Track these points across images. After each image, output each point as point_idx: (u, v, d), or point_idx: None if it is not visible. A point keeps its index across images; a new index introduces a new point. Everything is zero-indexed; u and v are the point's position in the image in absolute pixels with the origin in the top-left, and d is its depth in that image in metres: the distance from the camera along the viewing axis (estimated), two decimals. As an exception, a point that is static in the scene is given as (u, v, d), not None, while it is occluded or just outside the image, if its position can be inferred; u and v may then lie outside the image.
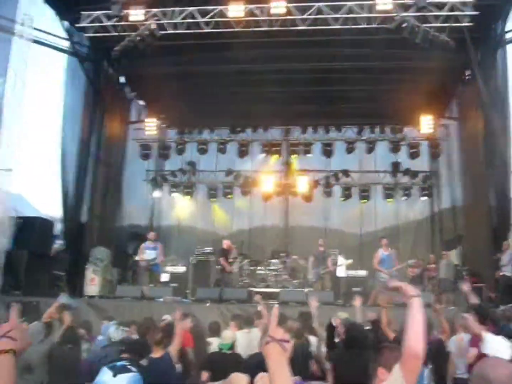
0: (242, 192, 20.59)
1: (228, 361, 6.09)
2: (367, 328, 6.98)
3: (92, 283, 14.61)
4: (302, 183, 19.78)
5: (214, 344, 8.07)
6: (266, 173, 20.28)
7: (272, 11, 13.01)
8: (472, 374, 2.26)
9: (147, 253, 14.00)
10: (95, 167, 17.17)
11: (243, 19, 13.20)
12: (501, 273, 13.04)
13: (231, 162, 20.94)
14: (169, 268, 15.24)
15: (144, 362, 5.42)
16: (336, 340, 6.84)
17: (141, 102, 20.86)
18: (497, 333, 6.49)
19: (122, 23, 13.60)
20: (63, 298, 7.81)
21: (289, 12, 13.14)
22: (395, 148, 19.68)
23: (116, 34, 13.78)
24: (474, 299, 7.75)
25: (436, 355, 6.82)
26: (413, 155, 19.44)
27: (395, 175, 20.02)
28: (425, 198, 20.00)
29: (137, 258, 15.19)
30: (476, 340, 6.63)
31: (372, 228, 19.90)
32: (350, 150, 19.94)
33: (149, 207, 21.42)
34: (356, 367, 4.64)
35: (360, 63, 16.39)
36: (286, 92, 18.50)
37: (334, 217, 20.43)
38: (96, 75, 17.16)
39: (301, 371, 5.65)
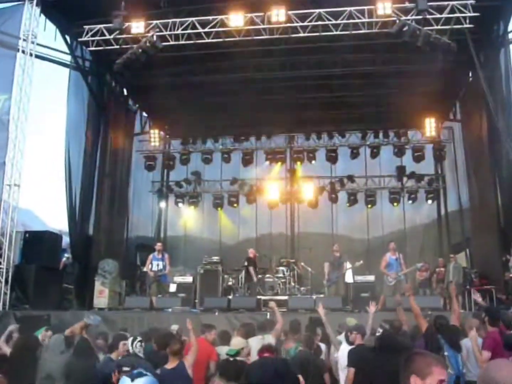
0: (248, 200, 20.59)
1: (233, 368, 6.11)
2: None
3: (101, 296, 14.63)
4: (307, 190, 19.78)
5: (223, 352, 8.05)
6: (271, 181, 20.29)
7: (273, 19, 13.04)
8: (478, 376, 2.25)
9: (154, 264, 14.04)
10: (100, 180, 17.22)
11: (244, 28, 13.25)
12: (510, 275, 12.97)
13: (236, 170, 20.98)
14: (177, 279, 15.23)
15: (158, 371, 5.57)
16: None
17: (145, 114, 20.96)
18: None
19: (124, 36, 13.68)
20: (90, 319, 7.92)
21: (289, 20, 13.18)
22: (399, 152, 19.67)
23: (118, 47, 13.87)
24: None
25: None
26: (418, 159, 19.42)
27: (401, 179, 19.98)
28: (431, 201, 19.92)
29: (145, 269, 15.22)
30: (489, 343, 6.61)
31: (379, 233, 19.84)
32: (354, 155, 19.96)
33: (155, 218, 21.46)
34: (388, 373, 4.62)
35: (362, 68, 16.42)
36: (289, 99, 18.56)
37: (341, 223, 20.38)
38: (99, 88, 17.26)
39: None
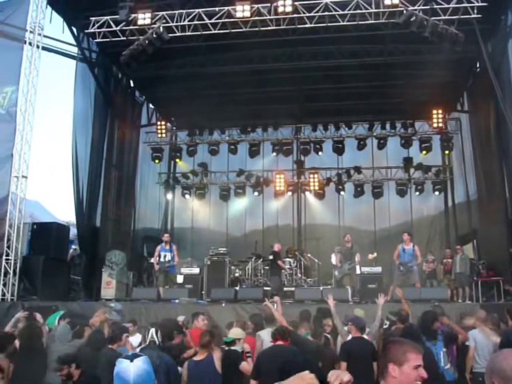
0: (254, 191, 20.60)
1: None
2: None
3: (108, 287, 14.72)
4: (314, 181, 19.76)
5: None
6: (277, 172, 20.28)
7: (279, 10, 12.99)
8: (487, 366, 2.26)
9: (162, 255, 14.07)
10: (107, 171, 17.30)
11: (250, 19, 13.20)
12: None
13: (243, 162, 20.98)
14: (184, 270, 15.28)
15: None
16: None
17: (152, 105, 20.98)
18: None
19: (130, 27, 13.68)
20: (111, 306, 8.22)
21: (296, 10, 13.12)
22: (406, 143, 19.55)
23: (125, 38, 13.86)
24: None
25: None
26: (425, 150, 19.32)
27: (408, 170, 19.90)
28: (439, 192, 19.86)
29: (152, 260, 15.29)
30: None
31: (385, 225, 19.82)
32: (361, 146, 19.88)
33: (162, 210, 21.52)
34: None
35: (369, 59, 16.36)
36: (296, 90, 18.56)
37: (347, 215, 20.36)
38: (106, 80, 17.29)
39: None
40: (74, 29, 15.52)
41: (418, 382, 2.70)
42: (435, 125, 18.61)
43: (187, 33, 13.73)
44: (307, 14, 13.17)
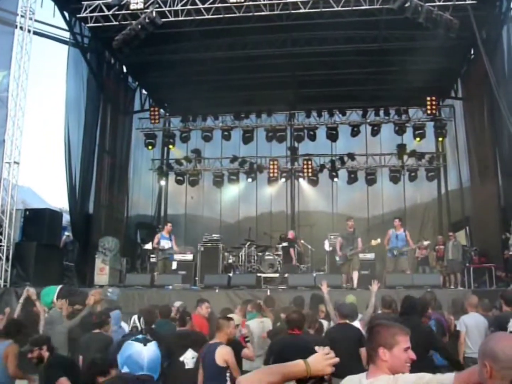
0: (248, 178, 20.58)
1: None
2: None
3: (102, 273, 14.74)
4: (308, 168, 19.75)
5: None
6: (271, 159, 20.26)
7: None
8: (479, 348, 2.28)
9: (163, 242, 14.09)
10: (100, 158, 17.24)
11: (244, 4, 13.08)
12: (510, 253, 13.00)
13: (236, 148, 20.93)
14: (177, 256, 15.30)
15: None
16: None
17: (144, 91, 20.86)
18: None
19: (123, 12, 13.54)
20: (109, 292, 8.37)
21: (290, -5, 13.02)
22: (400, 130, 19.54)
23: (117, 23, 13.73)
24: None
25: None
26: (419, 137, 19.33)
27: (401, 157, 19.92)
28: (432, 179, 19.89)
29: (147, 246, 15.32)
30: None
31: (379, 212, 19.88)
32: (355, 133, 19.86)
33: (155, 196, 21.48)
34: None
35: (363, 45, 16.30)
36: (289, 76, 18.50)
37: (341, 201, 20.40)
38: (99, 66, 17.17)
39: None
40: (66, 14, 15.34)
41: (408, 364, 2.73)
42: (429, 112, 18.59)
43: (180, 18, 13.61)
44: (301, -1, 13.08)
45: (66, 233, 16.96)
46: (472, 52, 16.59)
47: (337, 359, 2.27)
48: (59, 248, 15.72)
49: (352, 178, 19.92)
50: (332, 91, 19.34)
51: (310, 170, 19.78)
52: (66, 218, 16.34)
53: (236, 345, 6.08)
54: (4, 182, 13.19)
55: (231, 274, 14.36)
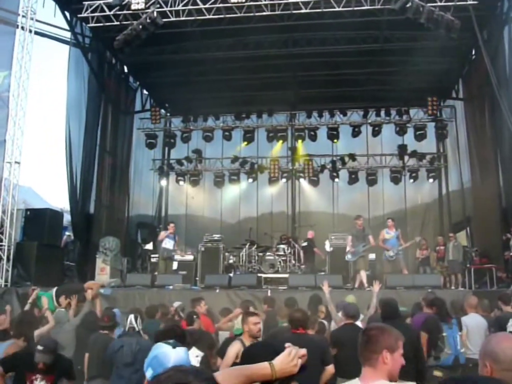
0: (249, 178, 20.58)
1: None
2: None
3: (102, 273, 14.72)
4: (309, 168, 19.75)
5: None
6: (272, 159, 20.26)
7: (274, -5, 12.88)
8: (480, 349, 2.28)
9: (167, 241, 14.13)
10: (101, 158, 17.25)
11: (245, 4, 13.08)
12: (511, 254, 12.98)
13: (237, 148, 20.92)
14: (178, 256, 15.30)
15: None
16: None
17: (145, 91, 20.87)
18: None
19: (124, 12, 13.53)
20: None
21: (291, -4, 13.01)
22: (401, 131, 19.54)
23: (118, 23, 13.73)
24: None
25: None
26: (420, 137, 19.31)
27: (402, 157, 19.91)
28: (433, 180, 19.88)
29: (147, 246, 15.33)
30: None
31: (380, 212, 19.83)
32: (356, 133, 19.85)
33: (156, 196, 21.48)
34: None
35: (364, 45, 16.30)
36: (291, 76, 18.50)
37: (342, 202, 20.39)
38: (100, 66, 17.17)
39: (323, 361, 5.61)
40: (67, 14, 15.34)
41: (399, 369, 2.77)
42: (430, 112, 18.58)
43: (182, 18, 13.60)
44: (303, 0, 13.07)
45: (67, 233, 16.98)
46: (473, 52, 16.56)
47: (301, 360, 2.22)
48: (60, 248, 15.73)
49: (353, 178, 19.91)
50: (333, 91, 19.34)
51: (311, 171, 19.78)
52: (67, 218, 16.35)
53: None
54: (5, 182, 13.20)
55: (231, 274, 14.35)
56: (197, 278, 14.85)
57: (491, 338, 2.38)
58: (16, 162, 13.30)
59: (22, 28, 13.70)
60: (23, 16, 13.70)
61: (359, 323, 6.95)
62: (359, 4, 13.05)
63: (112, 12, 13.59)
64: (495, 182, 14.99)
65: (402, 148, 19.74)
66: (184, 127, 20.88)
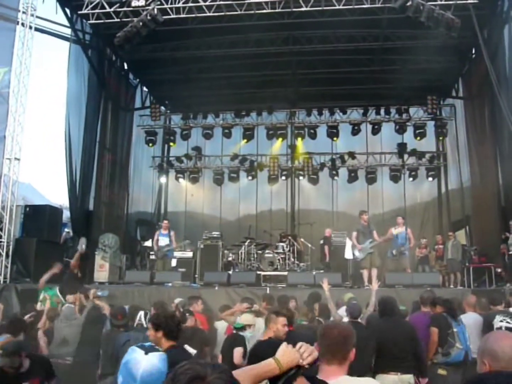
0: (248, 176, 20.58)
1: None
2: None
3: (102, 270, 14.73)
4: (308, 166, 19.76)
5: (219, 328, 8.18)
6: (271, 157, 20.27)
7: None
8: (479, 347, 2.29)
9: (160, 240, 14.15)
10: (101, 154, 17.25)
11: (245, 1, 13.07)
12: (510, 252, 12.98)
13: (237, 146, 20.92)
14: (177, 253, 15.31)
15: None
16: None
17: (145, 88, 20.86)
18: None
19: (124, 9, 13.53)
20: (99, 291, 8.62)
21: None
22: (401, 129, 19.56)
23: (119, 20, 13.72)
24: None
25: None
26: (420, 136, 19.33)
27: (402, 156, 19.92)
28: (432, 179, 19.89)
29: (147, 243, 15.36)
30: None
31: (379, 210, 19.83)
32: (355, 132, 19.86)
33: (155, 193, 21.48)
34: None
35: (364, 44, 16.31)
36: (291, 74, 18.48)
37: (341, 200, 20.40)
38: (100, 62, 17.16)
39: None
40: (68, 10, 15.33)
41: None
42: (429, 111, 18.59)
43: (182, 15, 13.59)
44: (303, -3, 13.06)
45: (66, 230, 16.96)
46: (473, 51, 16.58)
47: (308, 348, 2.27)
48: (59, 244, 15.72)
49: (352, 176, 19.92)
50: (333, 89, 19.35)
51: (310, 169, 19.79)
52: (66, 214, 16.35)
53: (240, 341, 6.07)
54: (5, 178, 13.20)
55: (230, 272, 14.35)
56: (196, 275, 14.87)
57: (489, 336, 2.39)
58: (15, 158, 13.29)
59: (23, 24, 13.68)
60: (23, 12, 13.68)
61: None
62: (360, 3, 13.06)
63: (112, 9, 13.58)
64: (495, 181, 15.00)
65: (402, 147, 19.75)
66: (184, 124, 20.88)
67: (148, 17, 13.12)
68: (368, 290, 10.22)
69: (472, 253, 15.02)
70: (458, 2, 12.57)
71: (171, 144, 21.31)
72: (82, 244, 10.30)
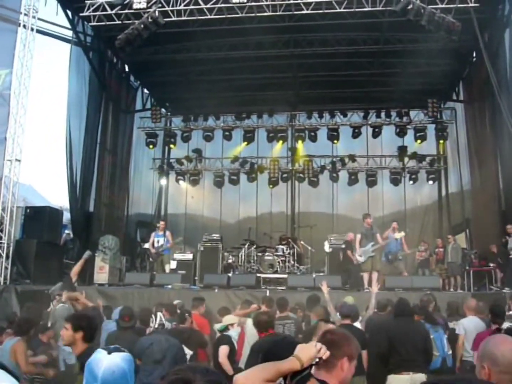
0: (249, 178, 20.59)
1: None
2: None
3: (101, 271, 14.70)
4: (308, 169, 19.76)
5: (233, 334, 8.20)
6: (272, 159, 20.27)
7: (276, -5, 12.88)
8: (478, 351, 2.29)
9: (155, 241, 14.20)
10: (101, 156, 17.26)
11: (246, 4, 13.08)
12: (510, 256, 12.97)
13: (237, 148, 20.92)
14: (177, 256, 15.32)
15: None
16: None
17: (146, 91, 20.87)
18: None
19: (126, 11, 13.54)
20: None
21: (293, -4, 13.02)
22: (401, 132, 19.57)
23: (120, 22, 13.73)
24: None
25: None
26: (420, 139, 19.33)
27: (402, 159, 19.92)
28: (432, 182, 19.88)
29: (146, 246, 15.38)
30: None
31: (379, 213, 19.77)
32: (356, 134, 19.86)
33: (156, 195, 21.48)
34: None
35: (365, 46, 16.32)
36: (291, 77, 18.50)
37: (341, 203, 20.40)
38: (101, 64, 17.18)
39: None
40: (69, 12, 15.35)
41: None
42: (430, 114, 18.60)
43: (183, 18, 13.60)
44: (304, 1, 13.05)
45: (66, 231, 16.97)
46: (474, 55, 16.59)
47: (323, 346, 2.43)
48: (59, 246, 15.73)
49: (352, 179, 19.91)
50: (334, 92, 19.35)
51: (310, 171, 19.80)
52: (66, 216, 16.34)
53: (227, 341, 6.08)
54: (5, 180, 13.19)
55: (230, 274, 14.35)
56: (196, 278, 14.89)
57: (489, 340, 2.39)
58: (16, 160, 13.29)
59: (24, 26, 13.69)
60: (25, 14, 13.69)
61: (358, 324, 6.94)
62: (361, 6, 13.06)
63: (113, 11, 13.59)
64: (495, 184, 15.01)
65: (402, 150, 19.75)
66: (184, 127, 20.91)
67: (150, 20, 13.13)
68: (368, 293, 10.22)
69: (472, 257, 15.01)
70: (459, 5, 12.58)
71: (172, 146, 21.33)
72: (87, 255, 10.38)
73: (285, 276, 14.21)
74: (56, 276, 13.80)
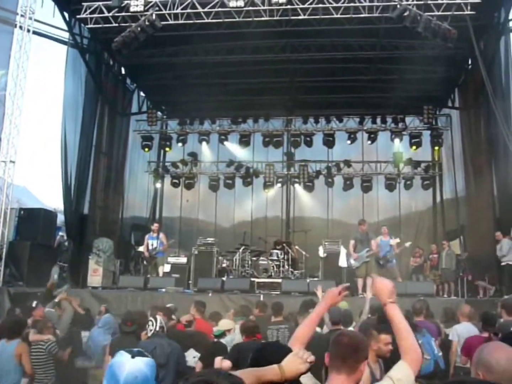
0: (244, 182, 20.58)
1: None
2: None
3: (95, 274, 14.67)
4: (304, 174, 19.78)
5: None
6: (267, 164, 20.28)
7: (273, 0, 12.89)
8: (473, 358, 2.29)
9: (149, 243, 14.22)
10: (96, 159, 17.20)
11: (243, 9, 13.11)
12: (503, 263, 13.02)
13: (232, 152, 20.92)
14: (171, 259, 15.29)
15: None
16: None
17: (142, 93, 20.85)
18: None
19: (123, 14, 13.53)
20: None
21: (289, 1, 13.01)
22: (396, 138, 19.60)
23: (117, 25, 13.72)
24: None
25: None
26: (415, 145, 19.38)
27: (397, 165, 19.95)
28: (427, 188, 19.92)
29: (140, 248, 15.37)
30: None
31: (374, 219, 19.80)
32: (351, 140, 19.87)
33: (151, 198, 21.43)
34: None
35: (362, 52, 16.38)
36: (287, 82, 18.54)
37: (336, 208, 20.42)
38: (97, 67, 17.14)
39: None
40: (66, 14, 15.32)
41: None
42: (425, 120, 18.65)
43: (180, 21, 13.60)
44: (301, 6, 13.09)
45: (60, 233, 16.92)
46: (469, 62, 16.67)
47: (312, 357, 2.32)
48: (53, 248, 15.68)
49: (348, 184, 19.93)
50: (330, 97, 19.39)
51: (306, 176, 19.81)
52: (60, 218, 16.29)
53: (222, 350, 6.05)
54: (0, 181, 13.16)
55: (224, 278, 14.33)
56: (190, 282, 14.83)
57: (484, 347, 2.38)
58: (11, 161, 13.26)
59: (20, 27, 13.67)
60: (21, 15, 13.68)
61: (351, 329, 6.92)
62: (357, 12, 13.11)
63: (111, 14, 13.58)
64: (489, 191, 15.04)
65: (398, 156, 19.77)
66: (180, 130, 20.88)
67: (147, 23, 13.13)
68: (362, 298, 10.21)
69: (466, 263, 15.04)
70: (455, 13, 12.63)
71: (167, 149, 21.29)
72: (54, 274, 10.41)
73: (279, 280, 14.20)
74: (49, 278, 13.80)
